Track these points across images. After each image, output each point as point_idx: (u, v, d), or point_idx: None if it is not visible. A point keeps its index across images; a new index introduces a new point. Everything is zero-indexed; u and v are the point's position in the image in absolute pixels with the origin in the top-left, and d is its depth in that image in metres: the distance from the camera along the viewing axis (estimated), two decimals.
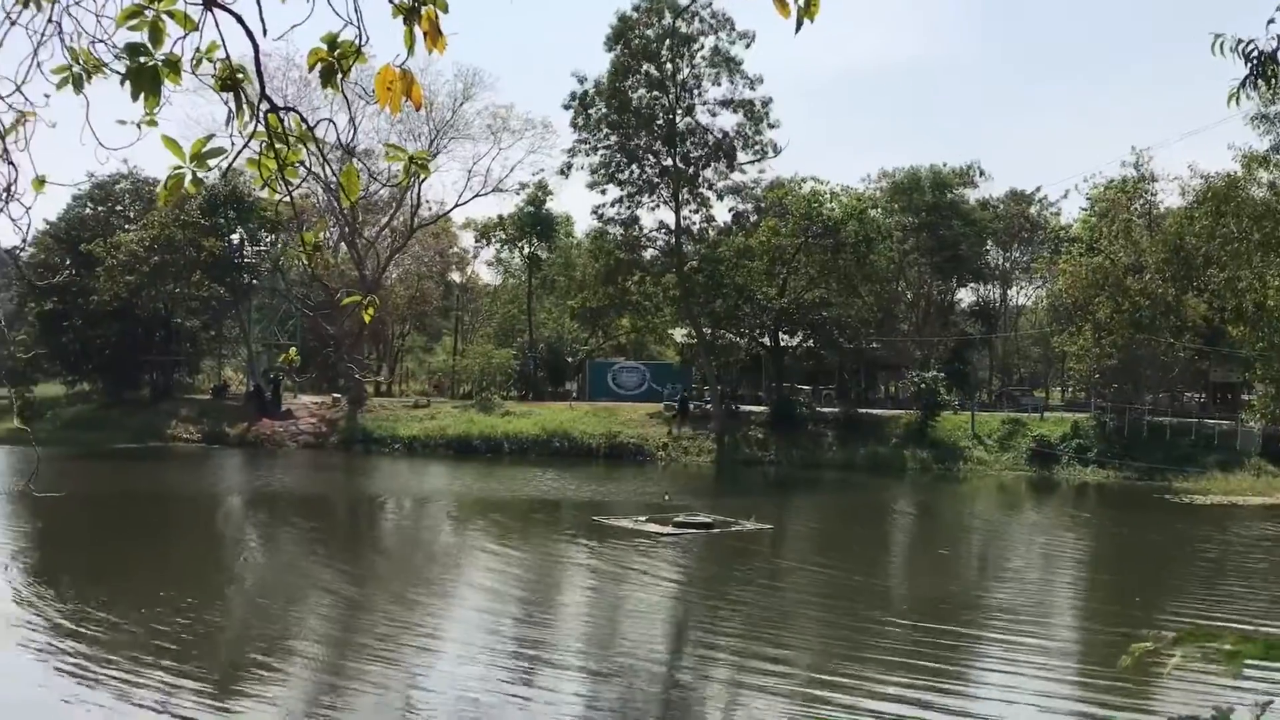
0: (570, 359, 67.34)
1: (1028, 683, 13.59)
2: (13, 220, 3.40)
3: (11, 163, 3.38)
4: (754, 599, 18.69)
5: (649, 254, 52.74)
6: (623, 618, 17.64)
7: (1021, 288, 76.76)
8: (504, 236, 72.36)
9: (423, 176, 3.36)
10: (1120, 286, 44.05)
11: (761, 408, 51.31)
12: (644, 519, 26.81)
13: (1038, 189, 70.83)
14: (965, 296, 72.61)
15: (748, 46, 48.08)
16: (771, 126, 49.31)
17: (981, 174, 69.27)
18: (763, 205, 53.23)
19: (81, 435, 49.19)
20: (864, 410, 50.43)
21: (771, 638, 15.75)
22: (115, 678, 12.98)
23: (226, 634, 15.61)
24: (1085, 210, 58.34)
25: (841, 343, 52.47)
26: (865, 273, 52.02)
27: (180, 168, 3.03)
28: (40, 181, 3.47)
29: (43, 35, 3.17)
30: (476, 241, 75.61)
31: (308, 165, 3.25)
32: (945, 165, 65.27)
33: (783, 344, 52.78)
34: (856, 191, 58.54)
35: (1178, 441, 43.36)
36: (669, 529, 25.42)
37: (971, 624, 17.19)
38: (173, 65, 2.91)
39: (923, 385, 47.38)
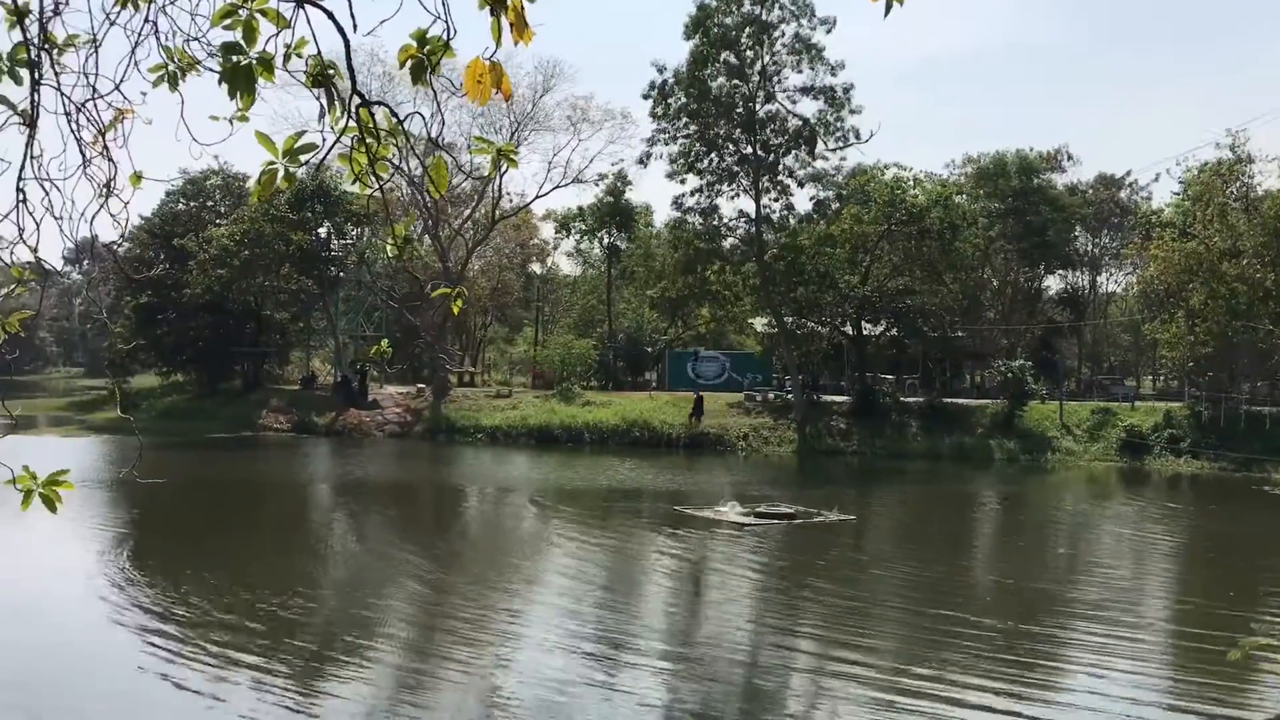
0: (649, 349, 67.45)
1: (1118, 678, 13.27)
2: (112, 215, 3.50)
3: (111, 159, 3.47)
4: (836, 591, 18.53)
5: (729, 243, 52.48)
6: (703, 607, 17.64)
7: (1111, 274, 74.93)
8: (583, 227, 72.72)
9: (507, 169, 3.37)
10: (1215, 272, 42.66)
11: (843, 397, 50.83)
12: (725, 509, 26.77)
13: (1128, 173, 69.12)
14: (1053, 283, 71.09)
15: (829, 32, 47.56)
16: (853, 113, 48.68)
17: (1069, 158, 67.82)
18: (844, 192, 52.60)
19: (176, 425, 50.69)
20: (949, 400, 49.63)
21: (853, 631, 15.61)
22: (209, 661, 13.36)
23: (315, 619, 15.94)
24: (1178, 194, 56.54)
25: (926, 331, 51.70)
26: (950, 260, 51.15)
27: (273, 163, 3.08)
28: (137, 177, 3.57)
29: (140, 35, 3.25)
30: (556, 233, 76.19)
31: (396, 160, 3.28)
32: (1032, 150, 63.96)
33: (865, 333, 52.18)
34: (941, 178, 57.58)
35: (1278, 431, 41.93)
36: (750, 519, 25.34)
37: (1059, 619, 16.83)
38: (265, 63, 2.96)
39: (1009, 374, 46.45)
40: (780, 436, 46.37)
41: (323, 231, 60.72)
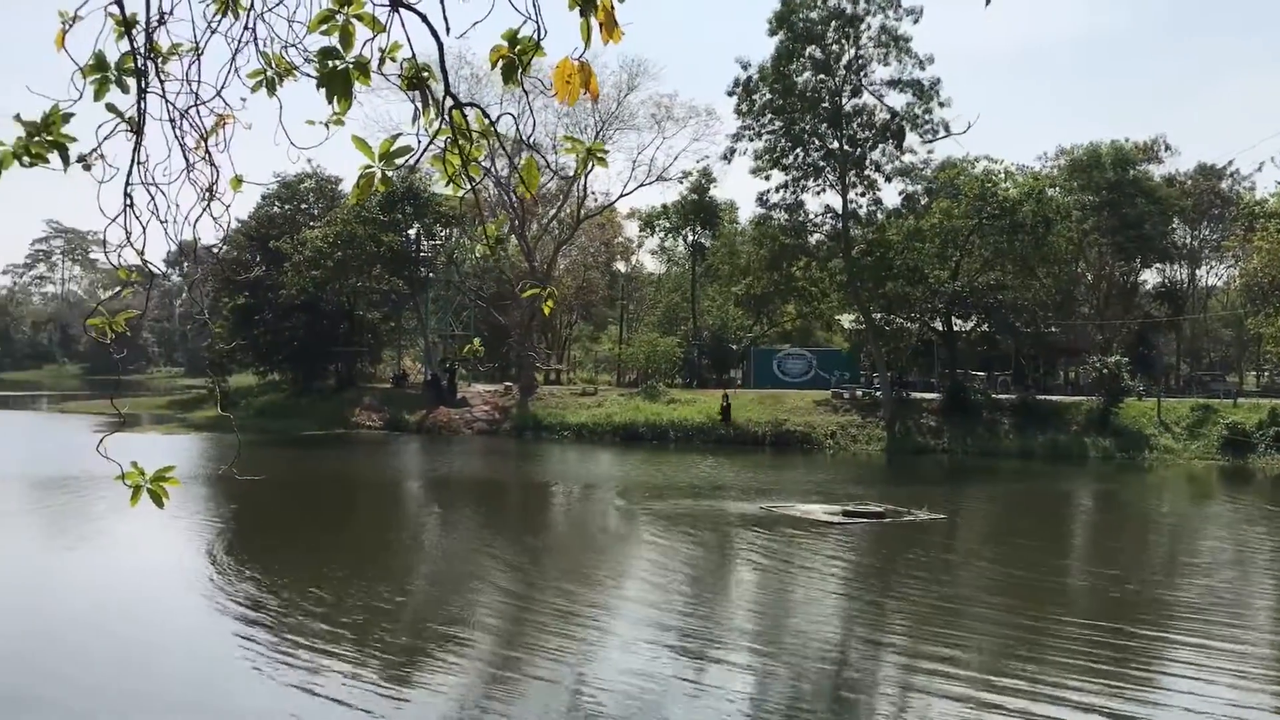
0: (734, 346, 67.24)
1: (1218, 683, 12.86)
2: (214, 218, 3.60)
3: (213, 163, 3.57)
4: (926, 590, 18.26)
5: (815, 239, 52.06)
6: (790, 607, 17.51)
7: (1211, 267, 72.71)
8: (668, 225, 72.76)
9: (594, 166, 3.39)
10: None
11: (933, 394, 50.09)
12: (813, 507, 26.57)
13: (1230, 162, 67.15)
14: (1150, 277, 69.19)
15: (915, 23, 46.85)
16: (942, 105, 47.92)
17: (1167, 149, 66.08)
18: (933, 186, 51.79)
19: (272, 423, 52.03)
20: (1042, 397, 48.60)
21: (945, 630, 15.36)
22: (303, 652, 13.67)
23: (406, 611, 16.21)
24: None
25: (1018, 327, 50.70)
26: (1043, 254, 50.03)
27: (370, 167, 3.14)
28: (238, 180, 3.66)
29: (240, 41, 3.34)
30: (641, 231, 76.34)
31: (489, 160, 3.32)
32: (1128, 141, 62.35)
33: (956, 329, 51.31)
34: (1033, 170, 56.36)
35: None
36: (839, 518, 25.11)
37: (1156, 621, 16.35)
38: (361, 67, 3.02)
39: (1104, 370, 45.29)
40: (868, 434, 45.86)
41: (412, 233, 61.75)
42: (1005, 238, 48.71)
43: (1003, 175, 50.91)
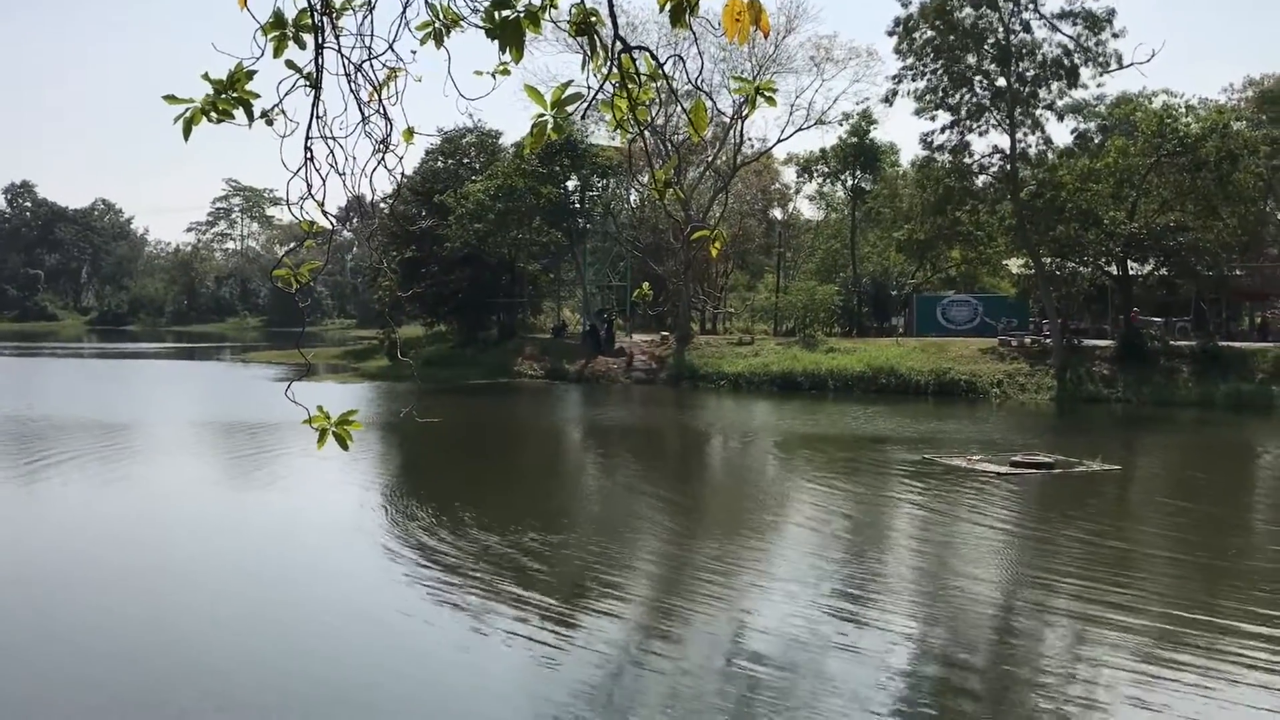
0: (896, 293, 65.80)
1: None
2: (388, 170, 3.69)
3: (387, 116, 3.65)
4: (1098, 543, 17.60)
5: (981, 181, 50.20)
6: (955, 559, 17.16)
7: None
8: (826, 170, 71.28)
9: (757, 109, 3.31)
10: None
11: (1106, 342, 47.99)
12: (978, 458, 25.92)
13: None
14: None
15: None
16: (1115, 36, 45.37)
17: None
18: (1108, 124, 49.22)
19: (440, 372, 53.78)
20: (1225, 344, 45.98)
21: (1116, 584, 14.78)
22: (470, 594, 14.17)
23: (569, 557, 16.57)
24: None
25: (1199, 270, 47.93)
26: (1227, 193, 46.93)
27: (543, 115, 3.14)
28: (410, 133, 3.73)
29: None
30: (798, 177, 75.07)
31: (656, 103, 3.28)
32: None
33: (1132, 272, 48.89)
34: (1217, 104, 52.88)
35: None
36: (1006, 468, 24.42)
37: None
38: (532, 16, 3.01)
39: None
40: (1037, 383, 44.32)
41: (570, 185, 62.37)
42: (1186, 176, 45.96)
43: (1183, 110, 47.97)
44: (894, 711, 10.31)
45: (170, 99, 3.42)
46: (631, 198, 69.34)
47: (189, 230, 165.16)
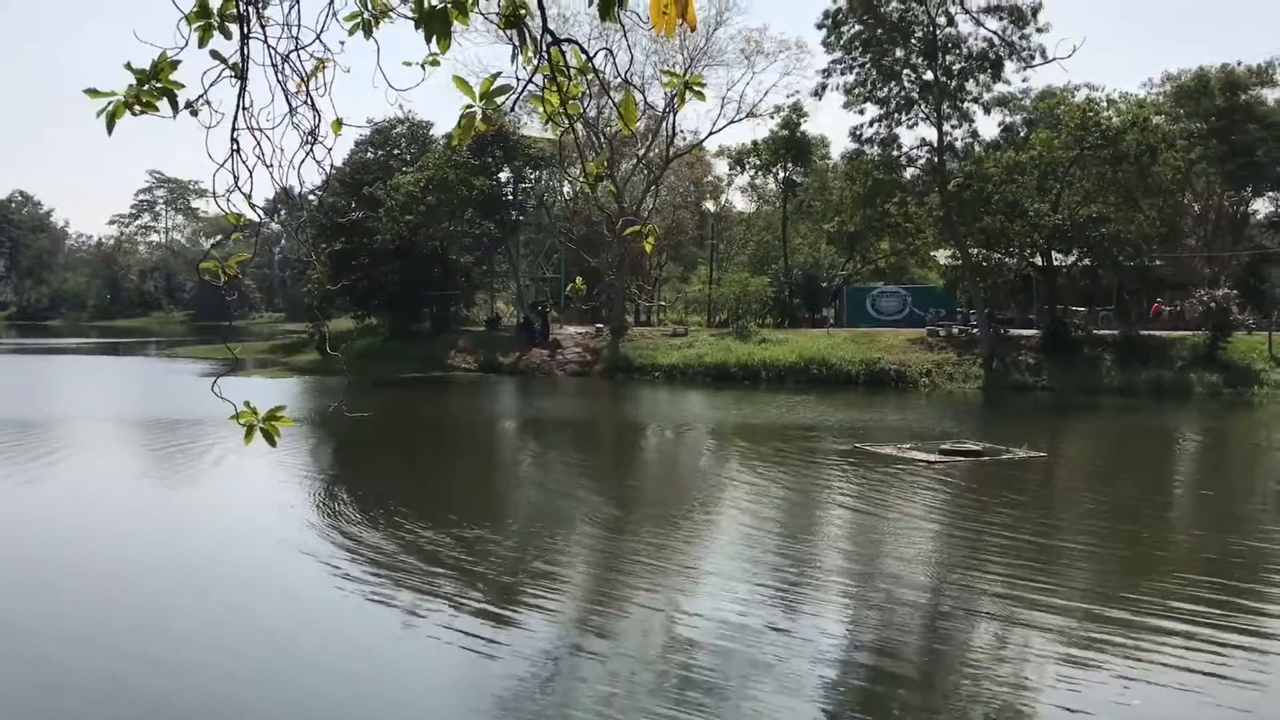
0: (826, 285, 66.51)
1: None
2: (317, 162, 3.66)
3: (315, 108, 3.62)
4: (1025, 530, 17.99)
5: (909, 173, 50.99)
6: (885, 546, 17.42)
7: None
8: (758, 163, 71.76)
9: (687, 101, 3.34)
10: None
11: (1032, 331, 49.00)
12: (908, 446, 26.32)
13: None
14: (1262, 207, 66.41)
15: None
16: (1040, 31, 46.31)
17: None
18: (1032, 117, 50.18)
19: (371, 365, 53.25)
20: (1146, 332, 47.22)
21: (1042, 570, 15.13)
22: (402, 587, 14.06)
23: (502, 550, 16.52)
24: None
25: (1121, 260, 49.13)
26: (1147, 185, 48.19)
27: (471, 107, 3.14)
28: (339, 124, 3.71)
29: None
30: (730, 169, 75.47)
31: (586, 99, 3.30)
32: (1239, 64, 59.48)
33: (1056, 263, 49.96)
34: (1137, 98, 54.18)
35: None
36: (935, 456, 24.84)
37: (1264, 560, 15.89)
38: (460, 6, 3.01)
39: (1212, 304, 43.78)
40: (965, 372, 45.15)
41: (503, 176, 62.05)
42: (1108, 169, 47.14)
43: (1105, 104, 49.10)
44: (826, 696, 10.47)
45: (92, 93, 3.35)
46: (564, 190, 69.23)
47: (111, 223, 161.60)
